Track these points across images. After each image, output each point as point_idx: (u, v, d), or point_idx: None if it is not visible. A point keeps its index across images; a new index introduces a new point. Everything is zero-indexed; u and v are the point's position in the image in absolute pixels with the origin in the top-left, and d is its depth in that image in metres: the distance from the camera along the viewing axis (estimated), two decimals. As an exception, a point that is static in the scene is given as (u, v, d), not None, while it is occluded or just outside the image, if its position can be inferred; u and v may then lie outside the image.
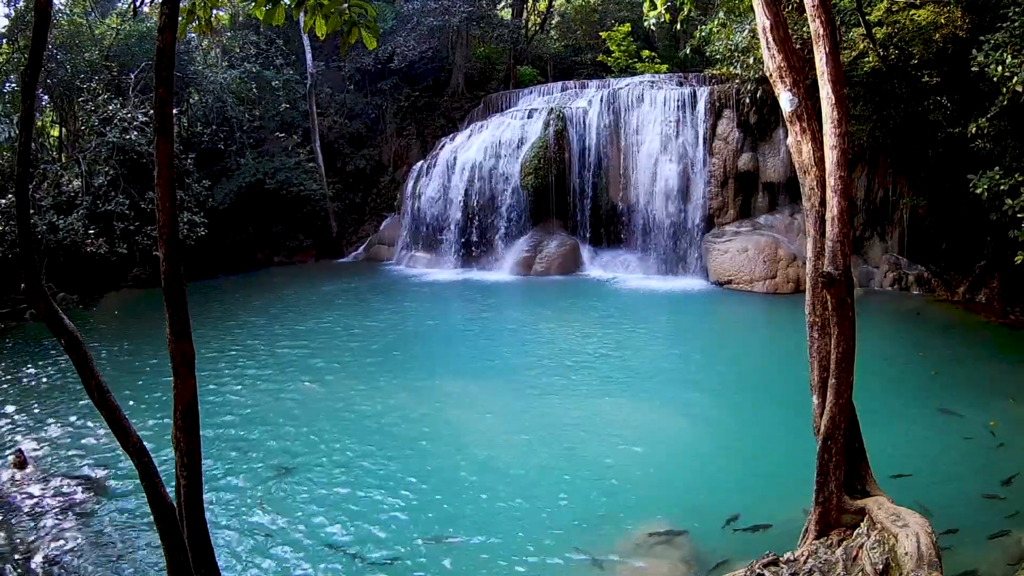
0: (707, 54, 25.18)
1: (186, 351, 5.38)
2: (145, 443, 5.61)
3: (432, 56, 32.79)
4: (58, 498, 9.34)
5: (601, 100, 26.00)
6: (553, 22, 39.29)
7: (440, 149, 28.43)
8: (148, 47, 25.74)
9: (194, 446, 5.45)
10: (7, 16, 25.53)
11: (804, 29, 15.21)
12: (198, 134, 28.65)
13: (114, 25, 27.21)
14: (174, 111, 6.04)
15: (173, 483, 5.52)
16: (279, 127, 30.38)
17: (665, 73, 29.41)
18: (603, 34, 33.19)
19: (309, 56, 30.74)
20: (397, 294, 22.84)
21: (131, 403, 12.39)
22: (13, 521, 8.77)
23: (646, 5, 11.66)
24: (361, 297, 22.04)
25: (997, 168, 14.66)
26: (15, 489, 9.58)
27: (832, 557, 6.17)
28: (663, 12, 11.61)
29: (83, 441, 11.17)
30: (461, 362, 15.73)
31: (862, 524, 6.26)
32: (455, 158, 27.16)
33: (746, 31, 19.87)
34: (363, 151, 32.90)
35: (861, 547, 6.00)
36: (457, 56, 33.98)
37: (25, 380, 14.52)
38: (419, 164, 29.04)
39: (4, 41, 24.91)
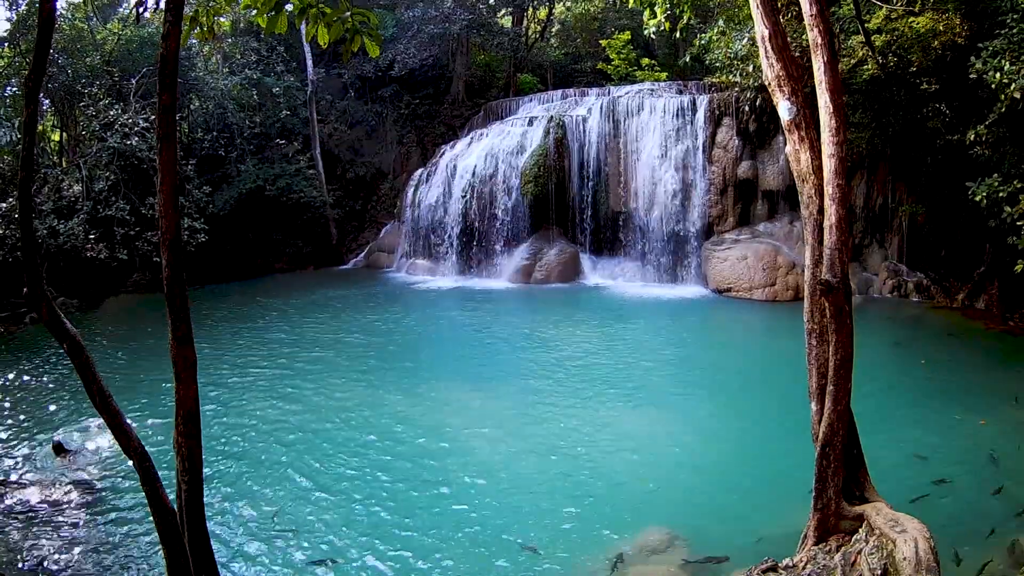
0: (706, 62, 25.28)
1: (188, 356, 5.41)
2: (146, 447, 5.63)
3: (432, 64, 32.89)
4: (59, 501, 9.34)
5: (601, 108, 26.07)
6: (553, 30, 39.41)
7: (440, 157, 28.48)
8: (149, 52, 25.83)
9: (195, 451, 5.47)
10: (9, 20, 25.60)
11: (803, 38, 15.26)
12: (199, 140, 28.71)
13: (115, 30, 27.32)
14: (176, 117, 6.07)
15: (174, 487, 5.54)
16: (280, 134, 30.43)
17: (665, 81, 29.52)
18: (603, 42, 33.30)
19: (310, 63, 30.83)
20: (397, 302, 22.85)
21: (132, 408, 12.39)
22: (14, 524, 8.77)
23: (646, 13, 11.73)
24: (361, 304, 22.05)
25: (996, 175, 14.70)
26: (20, 490, 9.59)
27: (831, 563, 6.18)
28: (663, 20, 11.68)
29: (84, 445, 11.16)
30: (460, 369, 15.74)
31: (860, 530, 6.28)
32: (455, 166, 27.21)
33: (745, 39, 19.94)
34: (363, 158, 32.95)
35: (860, 553, 6.02)
36: (457, 64, 34.09)
37: (26, 384, 14.52)
38: (419, 171, 29.09)
39: (6, 45, 24.98)
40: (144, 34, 26.95)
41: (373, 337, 18.07)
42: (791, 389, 11.35)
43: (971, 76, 14.33)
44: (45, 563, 7.91)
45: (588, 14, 36.07)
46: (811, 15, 6.79)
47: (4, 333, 18.97)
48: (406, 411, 12.52)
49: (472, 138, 28.33)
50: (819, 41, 6.69)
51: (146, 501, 5.70)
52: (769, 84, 7.22)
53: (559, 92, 30.00)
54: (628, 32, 32.80)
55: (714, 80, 24.81)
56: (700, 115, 24.46)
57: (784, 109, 7.04)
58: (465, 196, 26.44)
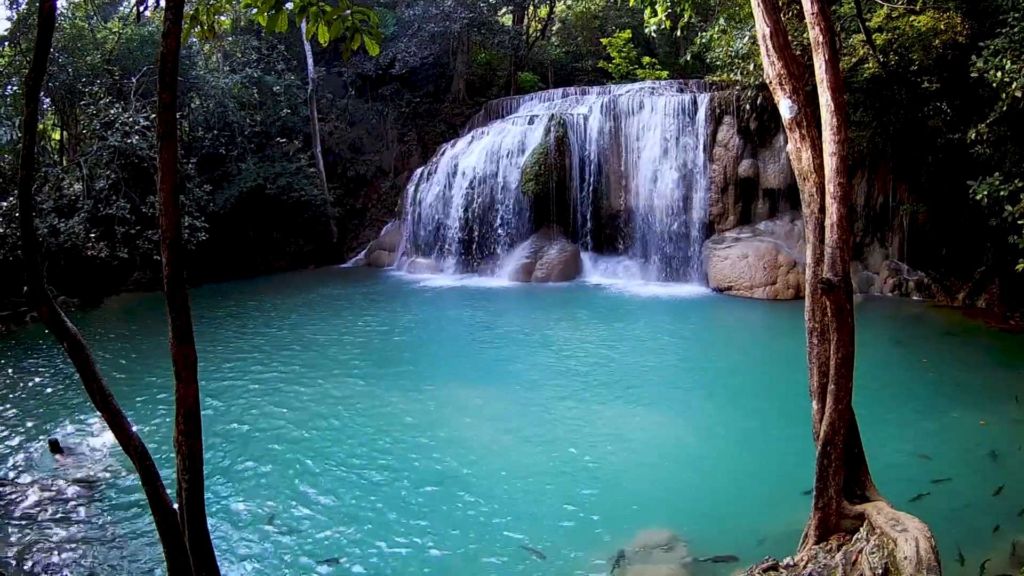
0: (707, 61, 25.28)
1: (188, 355, 5.41)
2: (147, 446, 5.63)
3: (433, 62, 32.86)
4: (59, 500, 9.35)
5: (602, 106, 26.05)
6: (554, 28, 39.37)
7: (441, 155, 28.47)
8: (150, 51, 25.84)
9: (196, 449, 5.47)
10: (9, 19, 25.60)
11: (804, 36, 15.26)
12: (199, 139, 28.71)
13: (116, 29, 27.31)
14: (176, 116, 6.07)
15: (175, 486, 5.54)
16: (280, 132, 30.41)
17: (666, 79, 29.49)
18: (604, 40, 33.28)
19: (310, 61, 30.81)
20: (398, 300, 22.85)
21: (133, 407, 12.40)
22: (14, 523, 8.78)
23: (647, 12, 11.72)
24: (361, 303, 22.05)
25: (997, 174, 14.68)
26: (18, 489, 9.60)
27: (831, 562, 6.18)
28: (663, 19, 11.67)
29: (84, 444, 11.18)
30: (461, 368, 15.75)
31: (861, 529, 6.27)
32: (456, 164, 27.20)
33: (746, 38, 19.93)
34: (364, 157, 32.94)
35: (860, 552, 6.01)
36: (458, 62, 34.06)
37: (26, 383, 14.53)
38: (420, 170, 29.07)
39: (6, 44, 24.98)
40: (144, 33, 26.94)
41: (374, 336, 18.08)
42: (792, 388, 11.35)
43: (972, 75, 14.31)
44: (45, 562, 7.91)
45: (589, 12, 36.03)
46: (812, 13, 6.78)
47: (5, 332, 18.98)
48: (406, 410, 12.51)
49: (473, 136, 28.31)
50: (820, 39, 6.69)
51: (146, 499, 5.71)
52: (770, 82, 7.21)
53: (560, 90, 29.99)
54: (629, 31, 32.78)
55: (715, 78, 24.80)
56: (701, 113, 24.44)
57: (785, 107, 7.03)
58: (466, 195, 26.43)
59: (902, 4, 17.11)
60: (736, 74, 22.03)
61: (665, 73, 31.54)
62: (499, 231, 25.99)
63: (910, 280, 21.11)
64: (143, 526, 8.51)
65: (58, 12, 25.02)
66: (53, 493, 9.57)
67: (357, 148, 33.18)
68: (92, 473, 10.18)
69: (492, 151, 26.47)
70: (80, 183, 23.50)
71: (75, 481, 9.89)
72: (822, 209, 6.66)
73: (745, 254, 22.27)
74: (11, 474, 10.19)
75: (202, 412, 5.60)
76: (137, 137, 23.44)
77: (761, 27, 7.20)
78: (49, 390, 14.07)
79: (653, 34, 14.00)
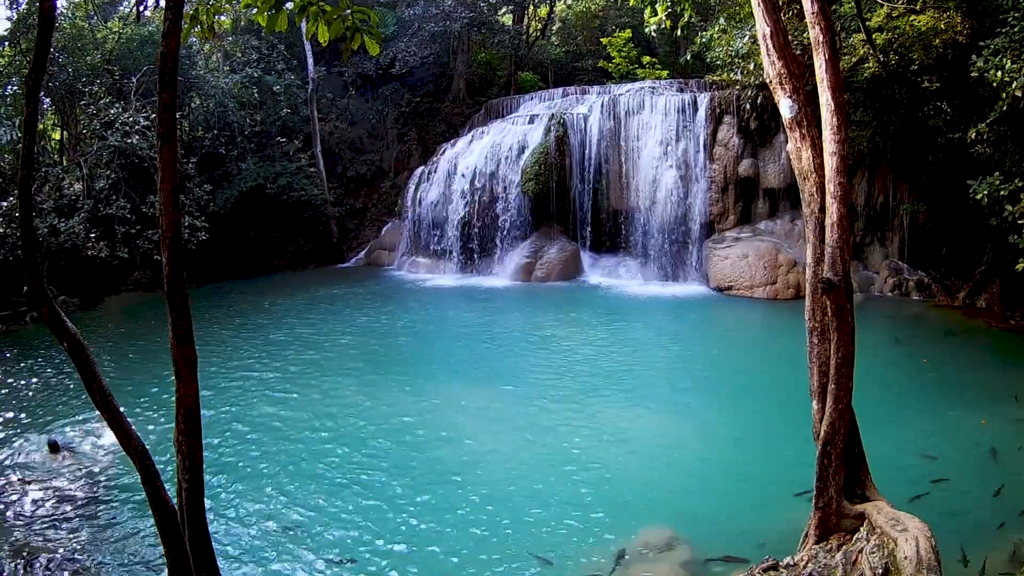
0: (708, 60, 25.27)
1: (188, 355, 5.41)
2: (147, 446, 5.63)
3: (433, 62, 32.85)
4: (59, 500, 9.35)
5: (602, 106, 26.05)
6: (554, 28, 39.36)
7: (441, 155, 28.47)
8: (150, 51, 25.82)
9: (196, 449, 5.47)
10: (9, 19, 25.59)
11: (804, 35, 15.26)
12: (199, 139, 28.69)
13: (116, 29, 27.28)
14: (176, 115, 6.07)
15: (175, 486, 5.54)
16: (280, 132, 30.40)
17: (666, 79, 29.48)
18: (604, 40, 33.27)
19: (310, 61, 30.80)
20: (398, 300, 22.85)
21: (133, 407, 12.40)
22: (14, 523, 8.78)
23: (647, 11, 11.72)
24: (362, 303, 22.05)
25: (997, 173, 14.68)
26: (18, 489, 9.60)
27: (832, 562, 6.18)
28: (664, 18, 11.67)
29: (84, 443, 11.18)
30: (461, 368, 15.75)
31: (862, 529, 6.28)
32: (456, 164, 27.20)
33: (746, 37, 19.93)
34: (364, 156, 32.93)
35: (861, 552, 6.02)
36: (458, 62, 34.05)
37: (26, 383, 14.53)
38: (420, 169, 29.06)
39: (6, 44, 24.97)
40: (144, 32, 26.92)
41: (374, 336, 18.08)
42: (792, 388, 11.34)
43: (972, 74, 14.31)
44: (45, 562, 7.91)
45: (589, 12, 36.01)
46: (812, 13, 6.78)
47: (5, 332, 18.98)
48: (407, 409, 12.51)
49: (473, 136, 28.30)
50: (821, 39, 6.69)
51: (146, 499, 5.71)
52: (770, 82, 7.21)
53: (560, 90, 29.98)
54: (629, 30, 32.77)
55: (715, 78, 24.80)
56: (701, 113, 24.43)
57: (785, 107, 7.04)
58: (466, 194, 26.43)
59: (902, 4, 17.11)
60: (736, 74, 22.03)
61: (665, 73, 31.53)
62: (499, 231, 25.98)
63: (910, 280, 21.10)
64: (143, 526, 8.51)
65: (58, 12, 25.03)
66: (53, 493, 9.57)
67: (357, 148, 33.17)
68: (92, 473, 10.18)
69: (492, 151, 26.47)
70: (80, 183, 23.48)
71: (75, 481, 9.89)
72: (822, 209, 6.66)
73: (745, 254, 22.27)
74: (10, 474, 10.19)
75: (202, 412, 5.60)
76: (137, 137, 23.42)
77: (761, 26, 7.20)
78: (49, 390, 14.07)
79: (653, 34, 14.02)
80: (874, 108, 19.61)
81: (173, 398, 5.48)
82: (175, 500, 5.62)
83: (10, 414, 12.72)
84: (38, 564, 7.86)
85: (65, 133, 27.65)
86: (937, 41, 17.14)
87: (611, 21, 35.54)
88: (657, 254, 24.73)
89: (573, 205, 26.02)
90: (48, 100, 26.27)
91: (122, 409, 5.67)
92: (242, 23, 32.30)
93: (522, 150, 25.85)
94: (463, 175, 26.69)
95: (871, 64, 18.46)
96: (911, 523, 5.91)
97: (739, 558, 7.45)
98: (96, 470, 10.28)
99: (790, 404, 11.52)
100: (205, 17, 6.36)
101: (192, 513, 5.49)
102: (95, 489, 9.69)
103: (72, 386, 13.67)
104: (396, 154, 32.96)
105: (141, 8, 30.28)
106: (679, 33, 15.09)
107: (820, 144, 6.74)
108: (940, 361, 15.05)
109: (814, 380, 6.86)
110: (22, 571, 7.73)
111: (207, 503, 5.84)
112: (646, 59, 32.18)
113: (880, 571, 5.72)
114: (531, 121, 26.79)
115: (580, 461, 10.38)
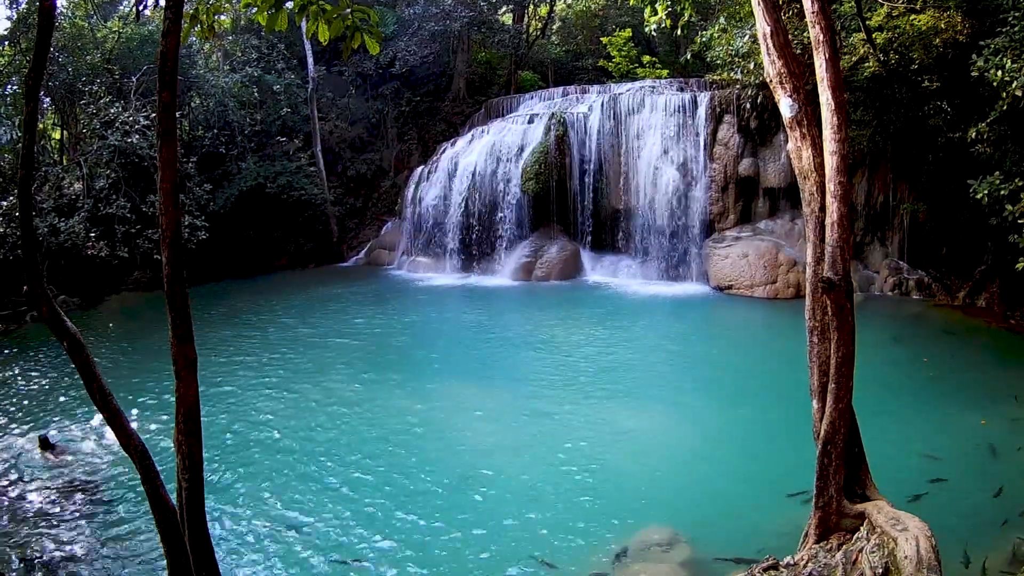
0: (708, 59, 25.24)
1: (188, 354, 5.40)
2: (147, 446, 5.63)
3: (433, 61, 32.82)
4: (58, 500, 9.35)
5: (602, 105, 26.03)
6: (554, 27, 39.34)
7: (441, 154, 28.45)
8: (150, 51, 25.80)
9: (196, 449, 5.47)
10: (9, 19, 25.58)
11: (804, 35, 15.25)
12: (199, 138, 28.68)
13: (116, 28, 27.27)
14: (176, 115, 6.07)
15: (175, 486, 5.54)
16: (280, 131, 30.38)
17: (666, 78, 29.45)
18: (604, 39, 33.24)
19: (311, 60, 30.78)
20: (398, 299, 22.84)
21: (133, 406, 12.39)
22: (15, 523, 8.78)
23: (647, 11, 11.71)
24: (362, 302, 22.05)
25: (997, 173, 14.66)
26: (19, 489, 9.60)
27: (832, 561, 6.18)
28: (664, 18, 11.66)
29: (84, 443, 11.18)
30: (462, 368, 15.74)
31: (862, 528, 6.27)
32: (456, 163, 27.18)
33: (747, 37, 19.92)
34: (364, 156, 32.91)
35: (861, 551, 6.01)
36: (458, 61, 34.04)
37: (25, 382, 14.53)
38: (420, 169, 29.05)
39: (6, 43, 24.96)
40: (144, 32, 26.91)
41: (374, 335, 18.07)
42: (792, 387, 11.33)
43: (972, 74, 14.30)
44: (44, 561, 7.91)
45: (589, 11, 35.99)
46: (812, 12, 6.77)
47: (4, 331, 18.97)
48: (407, 409, 12.51)
49: (473, 135, 28.29)
50: (821, 38, 6.68)
51: (145, 499, 5.70)
52: (771, 81, 7.20)
53: (560, 89, 29.96)
54: (629, 29, 32.73)
55: (715, 77, 24.77)
56: (701, 112, 24.42)
57: (786, 106, 7.03)
58: (466, 193, 26.41)
59: (902, 3, 17.10)
60: (736, 73, 22.01)
61: (665, 72, 31.51)
62: (499, 230, 25.98)
63: (910, 279, 21.09)
64: (143, 526, 8.50)
65: (58, 11, 25.03)
66: (53, 493, 9.57)
67: (357, 147, 33.15)
68: (92, 472, 10.18)
69: (492, 150, 26.45)
70: (80, 182, 23.48)
71: (75, 480, 9.89)
72: (822, 208, 6.65)
73: (745, 253, 22.26)
74: (11, 473, 10.18)
75: (202, 412, 5.59)
76: (137, 136, 23.42)
77: (761, 26, 7.19)
78: (49, 389, 14.07)
79: (653, 33, 14.02)
80: (874, 107, 19.60)
81: (173, 398, 5.48)
82: (175, 500, 5.61)
83: (9, 414, 12.71)
84: (38, 564, 7.87)
85: (65, 132, 27.65)
86: (937, 40, 17.12)
87: (611, 20, 35.51)
88: (657, 253, 24.72)
89: (573, 204, 26.01)
90: (48, 99, 26.27)
91: (122, 408, 5.66)
92: (242, 22, 32.28)
93: (522, 149, 25.84)
94: (463, 174, 26.67)
95: (871, 63, 18.45)
96: (911, 523, 5.90)
97: (749, 559, 7.42)
98: (96, 469, 10.27)
99: (790, 403, 11.52)
100: (205, 16, 6.35)
101: (192, 513, 5.49)
102: (95, 488, 9.68)
103: (72, 385, 13.66)
104: (396, 153, 32.94)
105: (141, 7, 30.26)
106: (679, 32, 15.09)
107: (820, 143, 6.74)
108: (940, 360, 15.05)
109: (814, 379, 6.85)
110: (21, 571, 7.72)
111: (207, 503, 5.84)
112: (646, 58, 32.16)
113: (880, 571, 5.72)
114: (531, 120, 26.77)
115: (580, 461, 10.38)
